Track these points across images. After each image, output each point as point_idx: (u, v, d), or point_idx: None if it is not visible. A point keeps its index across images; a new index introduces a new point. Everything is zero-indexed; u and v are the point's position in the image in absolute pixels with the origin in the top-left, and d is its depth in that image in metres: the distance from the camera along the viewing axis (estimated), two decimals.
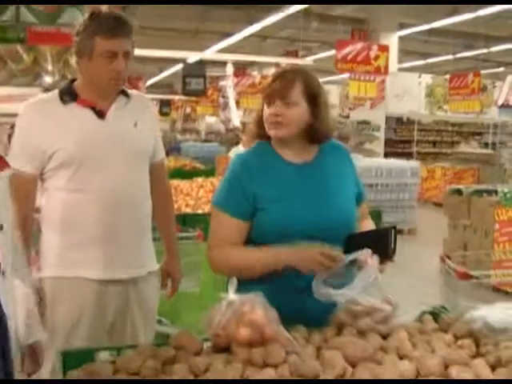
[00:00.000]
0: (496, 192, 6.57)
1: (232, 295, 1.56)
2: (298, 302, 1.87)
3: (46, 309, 2.18)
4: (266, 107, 1.97)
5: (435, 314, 1.97)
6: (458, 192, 6.95)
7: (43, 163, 2.18)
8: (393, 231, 1.94)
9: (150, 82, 22.23)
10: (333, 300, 1.74)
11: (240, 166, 2.01)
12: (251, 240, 1.97)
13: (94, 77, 2.19)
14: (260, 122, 2.01)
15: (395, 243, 1.95)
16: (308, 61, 11.19)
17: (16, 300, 1.52)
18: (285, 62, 12.64)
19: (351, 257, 1.81)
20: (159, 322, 4.00)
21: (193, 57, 9.87)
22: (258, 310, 1.50)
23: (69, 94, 2.22)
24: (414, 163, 10.27)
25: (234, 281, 1.59)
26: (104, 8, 2.21)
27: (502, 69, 19.51)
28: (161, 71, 20.69)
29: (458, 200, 6.84)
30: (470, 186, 7.81)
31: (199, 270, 3.89)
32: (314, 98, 1.97)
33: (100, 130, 2.21)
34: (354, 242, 1.95)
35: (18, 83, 17.88)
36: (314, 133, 2.00)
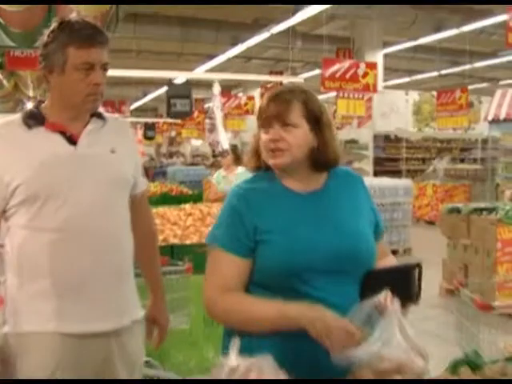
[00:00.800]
0: (495, 210, 6.32)
1: (234, 358, 1.26)
2: (309, 354, 1.58)
3: (12, 369, 1.86)
4: (262, 133, 1.71)
5: (469, 362, 1.69)
6: (457, 210, 6.70)
7: (6, 199, 1.87)
8: (417, 269, 1.67)
9: (134, 105, 22.00)
10: (353, 360, 1.45)
11: (238, 197, 1.72)
12: (252, 279, 1.68)
13: (68, 93, 1.89)
14: (257, 151, 1.75)
15: (420, 282, 1.68)
16: (299, 78, 10.98)
17: None
18: (274, 80, 12.45)
19: (371, 303, 1.53)
20: (147, 362, 3.69)
21: (179, 77, 9.64)
22: (267, 377, 1.20)
23: (34, 118, 1.91)
24: (406, 181, 10.05)
25: (237, 341, 1.28)
26: (73, 15, 1.91)
27: (485, 84, 19.56)
28: (145, 95, 20.46)
29: (457, 219, 6.58)
30: (467, 203, 7.57)
31: (189, 305, 3.61)
32: (316, 118, 1.72)
33: (71, 157, 1.90)
34: (372, 280, 1.68)
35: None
36: (320, 158, 1.73)
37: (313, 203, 1.72)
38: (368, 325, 1.51)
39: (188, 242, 4.16)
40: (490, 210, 6.45)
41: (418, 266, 1.66)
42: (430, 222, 12.97)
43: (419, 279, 1.66)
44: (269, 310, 1.59)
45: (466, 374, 1.55)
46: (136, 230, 2.09)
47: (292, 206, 1.70)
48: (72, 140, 1.92)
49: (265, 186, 1.73)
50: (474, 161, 16.39)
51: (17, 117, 1.94)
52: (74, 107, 1.92)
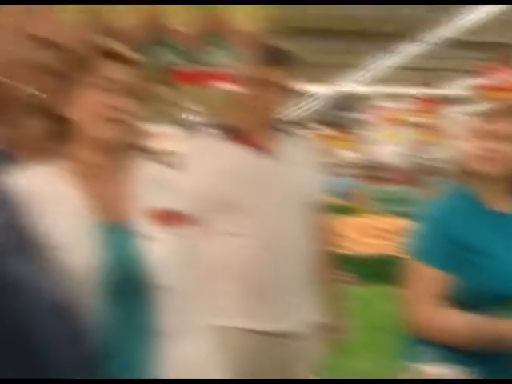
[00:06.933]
0: None
1: (428, 367, 1.30)
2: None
3: None
4: (477, 140, 1.71)
5: None
6: None
7: (200, 206, 2.09)
8: None
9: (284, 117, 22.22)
10: None
11: (442, 211, 1.76)
12: (451, 299, 1.70)
13: (255, 108, 2.12)
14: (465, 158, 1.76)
15: None
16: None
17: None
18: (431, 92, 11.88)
19: None
20: None
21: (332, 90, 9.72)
22: None
23: (228, 132, 2.14)
24: None
25: (428, 350, 1.33)
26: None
27: None
28: (295, 106, 20.76)
29: None
30: None
31: (349, 315, 3.66)
32: None
33: (261, 169, 2.10)
34: None
35: (162, 121, 18.83)
36: None
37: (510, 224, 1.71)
38: None
39: (351, 253, 4.21)
40: None
41: None
42: None
43: None
44: (483, 323, 1.60)
45: None
46: (316, 238, 2.23)
47: (493, 227, 1.70)
48: (262, 153, 2.11)
49: (465, 201, 1.74)
50: None
51: (212, 132, 2.18)
52: (254, 121, 2.13)
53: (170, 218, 1.41)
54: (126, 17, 6.46)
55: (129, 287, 1.29)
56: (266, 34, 6.03)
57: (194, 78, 9.20)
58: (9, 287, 0.63)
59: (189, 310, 1.43)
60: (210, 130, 2.20)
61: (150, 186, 1.42)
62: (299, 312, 2.15)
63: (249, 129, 2.13)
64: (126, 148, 1.42)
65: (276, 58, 2.09)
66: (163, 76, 8.96)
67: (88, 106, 1.34)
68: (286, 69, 2.10)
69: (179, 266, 1.38)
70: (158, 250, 1.33)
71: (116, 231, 1.34)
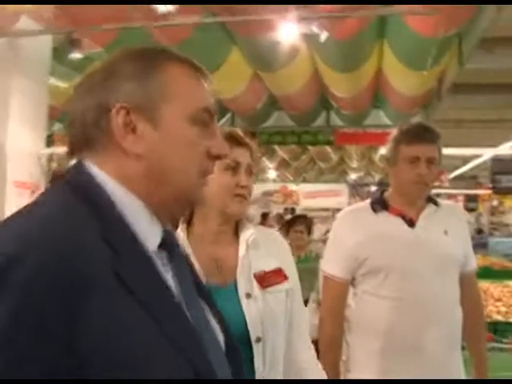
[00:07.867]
0: None
1: None
2: None
3: None
4: None
5: None
6: None
7: (354, 269, 2.22)
8: None
9: (453, 174, 21.64)
10: None
11: None
12: None
13: (400, 182, 2.23)
14: None
15: None
16: None
17: None
18: None
19: None
20: None
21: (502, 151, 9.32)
22: None
23: (380, 204, 2.27)
24: None
25: None
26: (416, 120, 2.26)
27: None
28: (465, 163, 20.02)
29: None
30: None
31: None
32: None
33: (409, 237, 2.19)
34: None
35: (325, 180, 19.37)
36: None
37: None
38: None
39: None
40: None
41: None
42: None
43: None
44: None
45: None
46: (464, 305, 2.23)
47: None
48: (411, 223, 2.21)
49: None
50: None
51: (366, 203, 2.33)
52: (406, 194, 2.23)
53: (271, 277, 1.63)
54: (291, 84, 6.87)
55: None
56: (425, 94, 6.06)
57: (357, 139, 9.46)
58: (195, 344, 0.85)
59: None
60: (367, 193, 2.35)
61: (255, 250, 1.67)
62: (445, 374, 2.15)
63: (400, 199, 2.25)
64: (242, 217, 1.71)
65: (421, 135, 2.20)
66: (328, 138, 9.30)
67: (218, 185, 1.62)
68: (432, 145, 2.20)
69: (275, 321, 1.59)
70: (258, 307, 1.55)
71: (223, 292, 1.56)
